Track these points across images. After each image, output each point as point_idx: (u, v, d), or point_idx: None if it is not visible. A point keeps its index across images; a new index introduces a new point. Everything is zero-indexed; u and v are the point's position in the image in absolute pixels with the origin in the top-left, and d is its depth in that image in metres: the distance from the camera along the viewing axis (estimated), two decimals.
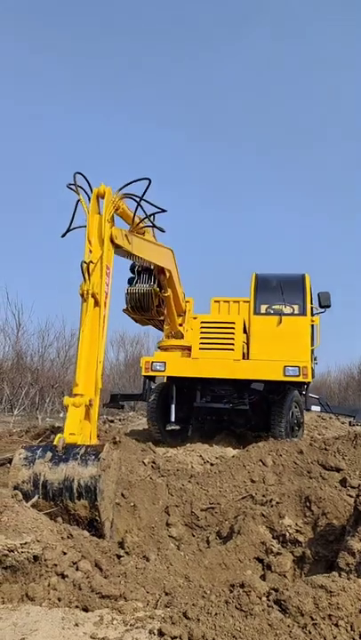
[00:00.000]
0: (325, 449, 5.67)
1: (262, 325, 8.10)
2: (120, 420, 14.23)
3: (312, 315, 8.28)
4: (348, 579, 3.11)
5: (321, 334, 8.47)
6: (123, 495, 4.95)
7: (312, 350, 8.20)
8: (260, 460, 5.57)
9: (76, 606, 2.72)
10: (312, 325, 8.24)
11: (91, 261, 4.92)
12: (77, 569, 3.08)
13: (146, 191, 5.25)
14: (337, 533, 4.03)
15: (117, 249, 5.44)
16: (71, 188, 5.24)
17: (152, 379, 8.97)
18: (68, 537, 3.50)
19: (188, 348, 8.39)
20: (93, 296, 4.85)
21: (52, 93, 48.68)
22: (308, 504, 4.46)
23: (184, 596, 3.02)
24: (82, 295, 4.87)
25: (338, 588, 2.46)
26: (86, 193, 5.25)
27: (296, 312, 8.08)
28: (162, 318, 8.24)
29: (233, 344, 7.96)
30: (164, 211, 5.65)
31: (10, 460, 4.76)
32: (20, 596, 2.80)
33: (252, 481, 5.24)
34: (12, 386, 17.76)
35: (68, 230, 5.38)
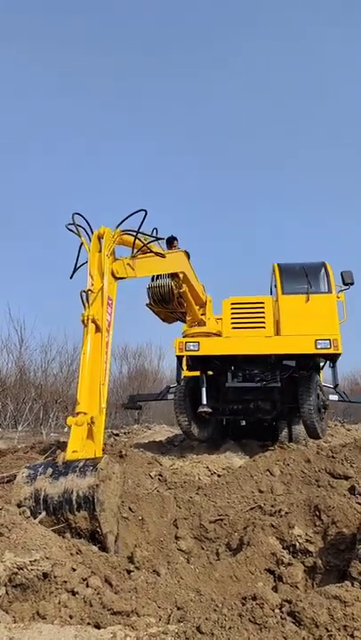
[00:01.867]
0: (333, 457, 5.65)
1: (291, 303, 8.35)
2: (125, 433, 14.18)
3: (337, 292, 8.59)
4: (360, 588, 3.08)
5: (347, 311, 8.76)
6: (130, 509, 4.92)
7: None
8: (268, 470, 5.54)
9: (88, 623, 2.70)
10: (338, 302, 8.52)
11: (90, 290, 5.20)
12: (87, 585, 3.06)
13: (142, 223, 5.57)
14: (348, 542, 4.00)
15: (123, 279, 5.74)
16: (70, 229, 5.56)
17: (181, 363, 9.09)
18: (77, 553, 3.48)
19: (215, 335, 8.57)
20: (94, 322, 5.06)
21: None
22: (317, 513, 4.43)
23: (196, 610, 3.00)
24: (83, 322, 5.10)
25: (352, 598, 2.44)
26: (86, 231, 5.55)
27: (323, 290, 8.38)
28: (184, 310, 8.43)
29: (264, 322, 8.28)
30: (160, 239, 6.05)
31: (15, 477, 4.77)
32: (31, 615, 2.77)
33: (260, 491, 5.21)
34: (15, 402, 17.74)
35: (75, 271, 5.69)
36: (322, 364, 8.71)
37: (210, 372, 8.88)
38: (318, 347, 7.72)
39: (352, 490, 5.07)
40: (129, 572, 3.63)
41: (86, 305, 5.12)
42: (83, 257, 5.63)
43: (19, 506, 3.96)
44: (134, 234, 5.66)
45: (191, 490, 5.54)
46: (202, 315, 8.81)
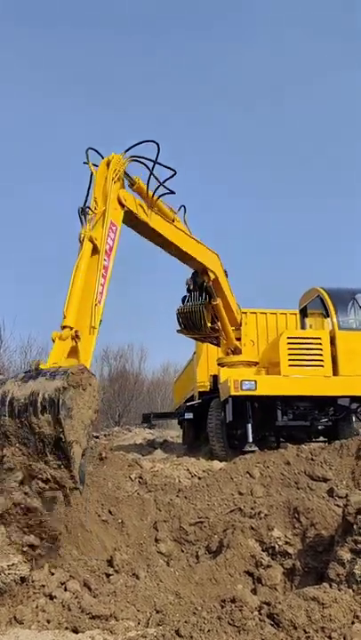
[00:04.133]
0: (312, 459, 5.69)
1: (349, 340, 8.17)
2: (105, 435, 14.11)
3: None
4: (338, 589, 3.10)
5: None
6: (110, 512, 4.90)
7: None
8: (248, 472, 5.56)
9: (66, 628, 2.68)
10: None
11: (88, 207, 4.99)
12: (66, 589, 3.04)
13: (158, 156, 5.42)
14: (326, 544, 4.03)
15: (136, 222, 5.57)
16: (86, 163, 5.34)
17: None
18: (57, 556, 3.45)
19: (254, 364, 8.33)
20: (92, 241, 4.83)
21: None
22: (296, 515, 4.46)
23: (175, 614, 2.99)
24: (79, 239, 4.87)
25: (330, 600, 2.46)
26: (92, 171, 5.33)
27: None
28: (217, 335, 8.16)
29: (322, 359, 7.98)
30: (174, 172, 5.68)
31: None
32: (7, 620, 2.74)
33: (240, 493, 5.23)
34: None
35: (84, 205, 5.35)
36: None
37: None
38: None
39: (331, 492, 5.12)
40: (108, 575, 3.61)
41: (83, 223, 4.89)
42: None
43: None
44: (145, 161, 5.48)
45: (171, 492, 5.54)
46: (237, 339, 8.49)
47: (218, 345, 8.74)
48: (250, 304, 10.16)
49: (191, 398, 10.75)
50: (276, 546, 4.21)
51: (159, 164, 5.56)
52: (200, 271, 7.37)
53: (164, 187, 5.77)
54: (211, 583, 3.86)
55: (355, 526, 3.61)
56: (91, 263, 4.83)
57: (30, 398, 3.59)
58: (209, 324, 7.72)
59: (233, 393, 7.66)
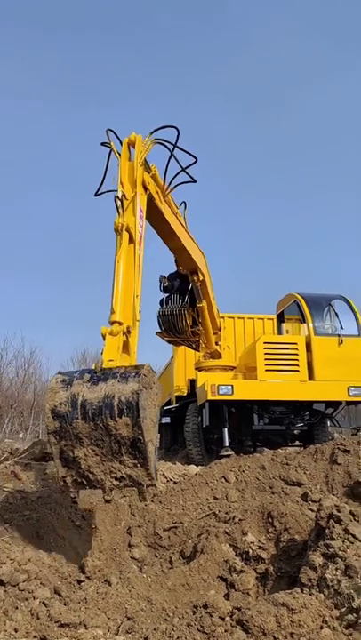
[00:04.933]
0: (287, 464, 5.72)
1: (324, 346, 8.23)
2: None
3: None
4: (310, 594, 3.11)
5: None
6: (83, 517, 4.85)
7: None
8: (223, 477, 5.56)
9: (35, 637, 2.62)
10: None
11: (124, 195, 4.84)
12: (35, 597, 2.98)
13: (177, 140, 5.24)
14: (299, 548, 4.04)
15: (150, 209, 5.40)
16: (106, 145, 5.18)
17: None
18: (27, 562, 3.39)
19: (231, 368, 8.30)
20: (128, 230, 4.74)
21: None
22: (270, 520, 4.47)
23: (147, 620, 2.96)
24: (116, 230, 4.75)
25: (299, 605, 2.46)
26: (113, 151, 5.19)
27: (354, 333, 8.31)
28: (197, 339, 8.10)
29: (298, 365, 8.06)
30: (195, 159, 5.53)
31: None
32: None
33: (215, 498, 5.22)
34: None
35: (100, 187, 5.29)
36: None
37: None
38: (351, 394, 7.74)
39: (305, 496, 5.15)
40: (79, 581, 3.56)
41: (121, 210, 4.77)
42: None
43: (53, 411, 3.74)
44: (169, 145, 5.29)
45: (147, 497, 5.50)
46: (216, 343, 8.45)
47: (197, 349, 8.72)
48: (250, 307, 10.25)
49: (169, 402, 10.73)
50: (250, 551, 4.21)
51: (181, 149, 5.39)
52: (190, 271, 7.25)
53: (187, 173, 5.60)
54: (184, 589, 3.84)
55: (327, 531, 3.64)
56: (128, 253, 4.74)
57: (105, 401, 3.66)
58: (190, 328, 7.70)
59: (210, 397, 7.68)
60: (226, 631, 2.39)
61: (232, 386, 7.73)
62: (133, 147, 5.22)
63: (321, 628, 2.41)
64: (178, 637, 2.35)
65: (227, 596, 3.72)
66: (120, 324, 4.34)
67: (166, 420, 9.94)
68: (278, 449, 8.65)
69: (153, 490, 4.03)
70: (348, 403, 8.20)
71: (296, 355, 8.12)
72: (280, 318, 9.58)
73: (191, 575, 3.96)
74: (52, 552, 4.27)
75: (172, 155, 5.35)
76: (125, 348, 4.34)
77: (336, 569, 3.24)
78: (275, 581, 3.93)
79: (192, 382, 9.30)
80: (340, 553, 3.33)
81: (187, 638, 2.34)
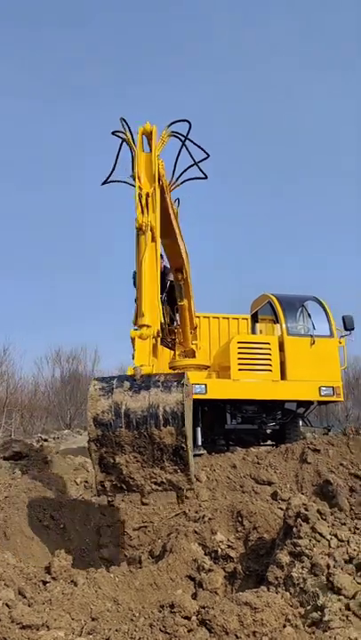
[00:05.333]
0: (258, 463, 5.75)
1: (296, 346, 8.27)
2: (54, 438, 13.83)
3: (339, 337, 8.59)
4: (276, 592, 3.12)
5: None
6: (52, 517, 4.79)
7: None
8: (194, 476, 5.55)
9: None
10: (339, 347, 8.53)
11: (147, 193, 4.67)
12: None
13: (189, 132, 5.15)
14: (267, 547, 4.06)
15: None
16: (118, 136, 5.03)
17: None
18: None
19: (205, 367, 8.26)
20: (152, 230, 4.62)
21: None
22: (240, 519, 4.48)
23: (112, 621, 2.93)
24: (139, 228, 4.60)
25: (262, 604, 2.46)
26: (127, 141, 5.03)
27: (326, 334, 8.36)
28: (173, 337, 8.03)
29: (271, 364, 8.08)
30: (207, 155, 5.43)
31: None
32: None
33: (186, 497, 5.20)
34: None
35: (108, 178, 5.22)
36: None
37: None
38: (322, 394, 7.85)
39: (275, 495, 5.18)
40: (45, 582, 3.50)
41: (145, 209, 4.60)
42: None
43: (95, 419, 3.74)
44: (183, 138, 5.16)
45: (117, 497, 5.46)
46: (192, 342, 8.39)
47: (172, 348, 8.71)
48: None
49: None
50: (219, 550, 4.21)
51: (195, 143, 5.29)
52: (176, 268, 7.19)
53: (199, 168, 5.50)
54: (151, 588, 3.81)
55: (294, 529, 3.66)
56: (152, 252, 4.63)
57: (150, 411, 3.73)
58: (167, 325, 7.68)
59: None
60: (189, 631, 2.37)
61: (206, 385, 7.77)
62: (148, 137, 5.02)
63: (284, 626, 2.41)
64: (140, 638, 2.32)
65: (195, 596, 3.71)
66: (148, 326, 4.29)
67: None
68: (251, 448, 8.76)
69: (190, 493, 4.23)
70: (320, 402, 8.33)
71: (269, 354, 8.17)
72: (254, 318, 9.63)
73: (160, 574, 3.93)
74: (19, 553, 4.20)
75: (184, 146, 5.24)
76: (155, 350, 4.31)
77: (302, 567, 3.26)
78: (243, 580, 3.94)
79: None
80: (306, 551, 3.35)
81: (148, 639, 2.31)
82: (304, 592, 3.04)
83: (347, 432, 6.59)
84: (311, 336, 8.31)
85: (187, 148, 5.31)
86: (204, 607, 2.64)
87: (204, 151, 5.39)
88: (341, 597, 2.77)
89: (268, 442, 9.12)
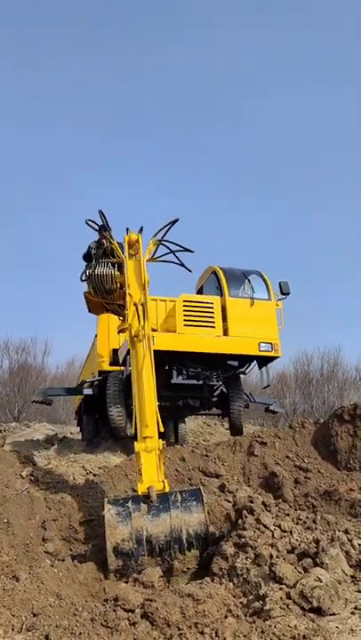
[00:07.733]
0: (206, 455, 5.80)
1: (237, 307, 8.69)
2: (1, 431, 13.50)
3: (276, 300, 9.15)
4: (220, 583, 3.16)
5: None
6: None
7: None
8: None
9: None
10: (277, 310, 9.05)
11: (142, 303, 5.02)
12: None
13: (169, 228, 5.61)
14: (215, 539, 4.09)
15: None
16: (92, 226, 5.51)
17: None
18: None
19: (153, 330, 8.38)
20: (145, 337, 4.85)
21: None
22: None
23: (54, 616, 2.87)
24: (136, 336, 4.87)
25: (205, 595, 2.47)
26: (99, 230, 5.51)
27: (265, 297, 8.90)
28: (121, 302, 8.11)
29: (214, 321, 8.46)
30: (191, 252, 5.81)
31: None
32: None
33: (134, 490, 5.18)
34: None
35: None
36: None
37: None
38: (261, 349, 8.26)
39: (222, 488, 5.24)
40: None
41: (142, 318, 4.92)
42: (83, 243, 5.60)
43: (115, 549, 3.66)
44: (169, 245, 5.63)
45: (63, 490, 5.38)
46: None
47: (120, 314, 8.86)
48: None
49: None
50: None
51: (180, 246, 5.68)
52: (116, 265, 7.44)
53: (184, 267, 5.82)
54: (97, 582, 3.78)
55: (240, 521, 3.71)
56: (148, 359, 4.81)
57: (173, 535, 3.71)
58: (119, 289, 7.82)
59: (130, 347, 8.07)
60: (131, 624, 2.36)
61: (153, 337, 8.02)
62: (133, 245, 5.48)
63: (225, 617, 2.43)
64: (80, 633, 2.29)
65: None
66: (152, 438, 4.34)
67: (88, 391, 9.93)
68: (196, 414, 9.09)
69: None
70: (259, 361, 8.74)
71: (212, 312, 8.59)
72: (199, 293, 9.86)
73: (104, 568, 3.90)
74: None
75: (173, 251, 5.67)
76: (160, 462, 4.34)
77: (246, 558, 3.31)
78: (190, 572, 3.96)
79: (115, 352, 9.40)
80: (250, 542, 3.40)
81: (89, 634, 2.28)
82: (247, 582, 3.09)
83: (293, 425, 6.75)
84: (251, 298, 8.81)
85: (174, 254, 5.72)
86: (148, 600, 2.63)
87: (189, 250, 5.80)
88: (283, 587, 2.83)
89: (214, 410, 9.44)
